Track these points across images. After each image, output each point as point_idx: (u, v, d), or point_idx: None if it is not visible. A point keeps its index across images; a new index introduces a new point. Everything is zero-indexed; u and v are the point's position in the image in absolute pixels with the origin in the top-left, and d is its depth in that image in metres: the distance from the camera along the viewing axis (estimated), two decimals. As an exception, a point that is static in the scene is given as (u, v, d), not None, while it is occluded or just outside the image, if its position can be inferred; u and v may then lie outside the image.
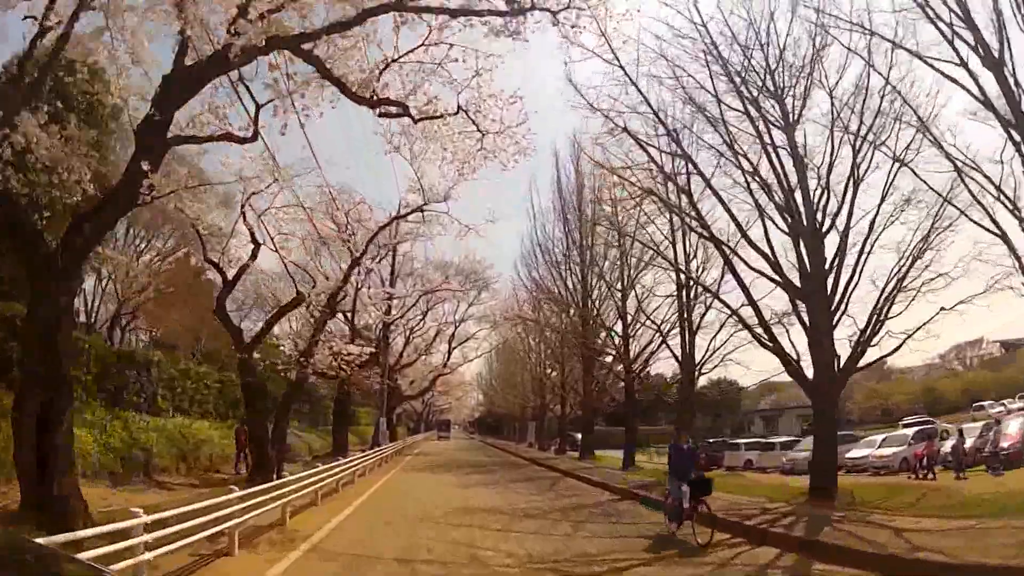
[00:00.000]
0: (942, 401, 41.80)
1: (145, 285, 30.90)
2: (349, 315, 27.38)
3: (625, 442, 28.18)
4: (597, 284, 30.23)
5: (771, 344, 15.20)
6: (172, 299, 29.91)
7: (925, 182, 13.47)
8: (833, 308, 14.35)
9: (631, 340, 27.17)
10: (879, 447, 22.27)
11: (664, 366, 41.14)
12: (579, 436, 43.20)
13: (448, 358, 39.45)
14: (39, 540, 3.26)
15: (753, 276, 15.65)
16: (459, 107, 12.77)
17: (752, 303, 15.59)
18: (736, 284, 15.84)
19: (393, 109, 12.97)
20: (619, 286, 27.57)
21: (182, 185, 9.74)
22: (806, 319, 14.45)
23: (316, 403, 39.74)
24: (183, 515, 7.55)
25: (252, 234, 17.09)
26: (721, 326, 21.17)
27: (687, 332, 22.08)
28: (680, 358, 22.25)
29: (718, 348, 21.63)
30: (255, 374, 15.64)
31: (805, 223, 14.75)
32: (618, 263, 27.74)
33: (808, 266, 14.58)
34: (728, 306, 17.66)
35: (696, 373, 22.54)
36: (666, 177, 17.83)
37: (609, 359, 30.70)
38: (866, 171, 14.30)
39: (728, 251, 16.32)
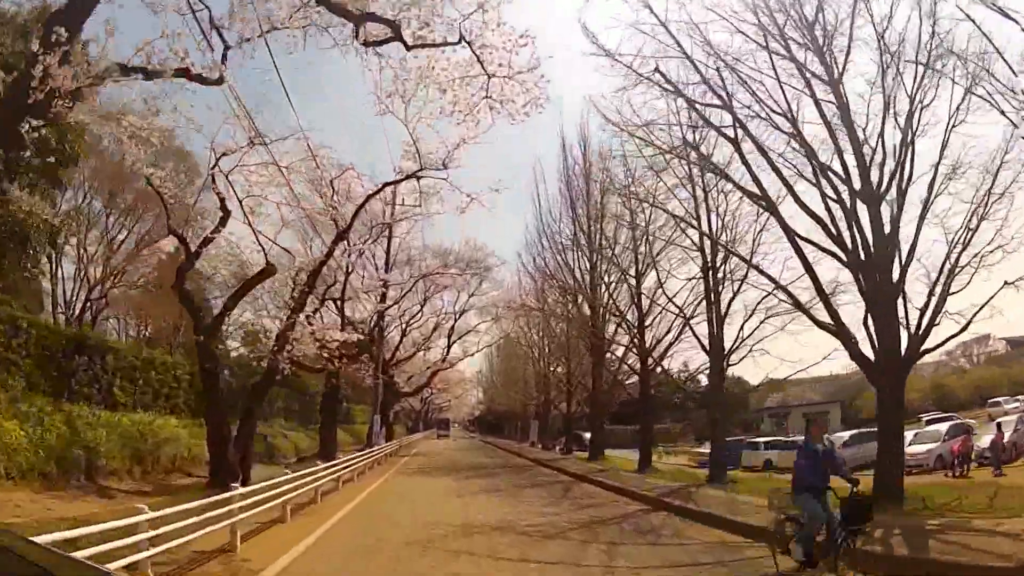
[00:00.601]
0: (952, 398, 41.15)
1: (119, 269, 28.49)
2: (339, 302, 24.87)
3: (640, 441, 25.73)
4: (608, 269, 27.82)
5: (831, 322, 12.88)
6: (160, 294, 27.65)
7: None
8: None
9: (646, 329, 24.72)
10: (911, 444, 20.51)
11: (673, 362, 38.46)
12: (587, 435, 41.16)
13: (447, 352, 36.98)
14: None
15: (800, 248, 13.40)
16: (461, 36, 10.60)
17: (809, 270, 13.18)
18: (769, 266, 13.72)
19: (382, 33, 10.79)
20: (632, 271, 25.07)
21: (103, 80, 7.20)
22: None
23: (308, 401, 37.27)
24: (69, 541, 5.17)
25: (223, 202, 14.65)
26: (752, 311, 18.75)
27: (715, 316, 19.56)
28: (708, 347, 19.73)
29: (746, 337, 19.21)
30: (215, 360, 13.09)
31: (860, 184, 12.52)
32: (630, 246, 25.27)
33: (867, 233, 12.42)
34: (773, 279, 15.24)
35: (725, 363, 20.02)
36: (702, 128, 15.45)
37: (621, 350, 28.23)
38: (917, 130, 12.25)
39: (770, 215, 14.09)
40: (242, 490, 9.93)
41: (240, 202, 13.92)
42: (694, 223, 19.10)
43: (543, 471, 23.96)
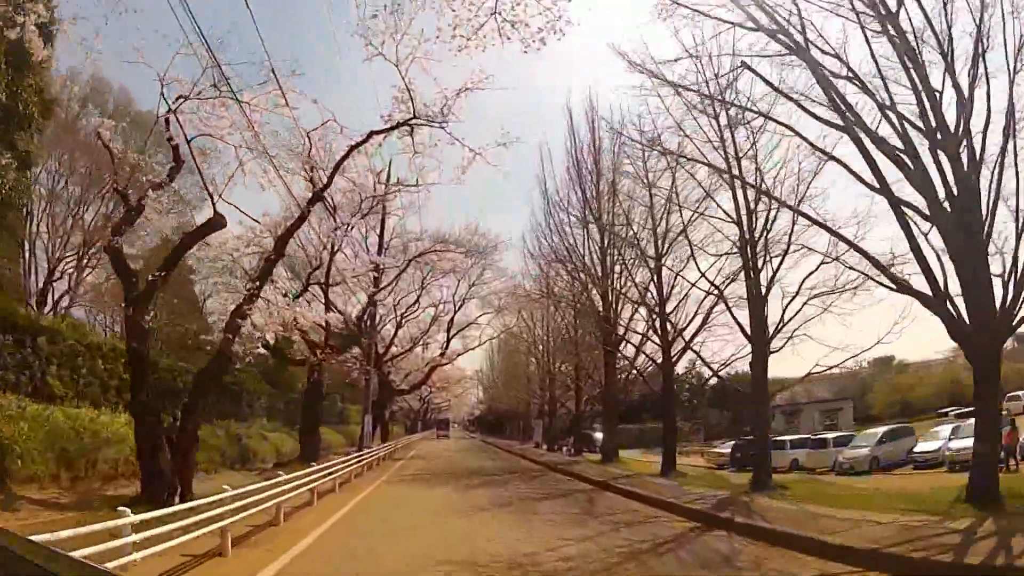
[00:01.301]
0: (964, 394, 40.07)
1: (80, 245, 25.65)
2: (324, 287, 21.94)
3: (664, 442, 22.88)
4: (622, 249, 25.02)
5: (930, 287, 10.27)
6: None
7: None
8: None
9: (669, 315, 21.89)
10: (952, 439, 19.39)
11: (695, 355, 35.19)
12: (597, 435, 38.25)
13: (446, 346, 34.09)
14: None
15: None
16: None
17: (908, 231, 10.43)
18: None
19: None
20: (652, 251, 22.19)
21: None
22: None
23: (296, 400, 34.43)
24: None
25: (175, 150, 11.84)
26: (798, 290, 15.96)
27: (755, 294, 16.68)
28: (749, 331, 16.84)
29: (787, 321, 16.38)
30: (144, 338, 10.14)
31: (934, 122, 10.47)
32: (647, 224, 22.40)
33: (951, 183, 10.34)
34: (844, 238, 12.48)
35: (767, 349, 17.10)
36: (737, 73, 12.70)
37: (637, 340, 25.34)
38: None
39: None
40: (197, 503, 7.22)
41: (188, 143, 11.11)
42: (727, 178, 16.28)
43: (556, 478, 21.05)
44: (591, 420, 45.75)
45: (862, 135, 11.26)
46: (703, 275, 18.18)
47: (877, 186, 11.38)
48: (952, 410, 31.19)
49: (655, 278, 21.84)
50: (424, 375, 34.73)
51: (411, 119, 14.08)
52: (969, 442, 18.71)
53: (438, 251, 24.01)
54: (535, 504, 13.45)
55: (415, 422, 64.85)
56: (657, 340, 22.83)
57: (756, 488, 14.99)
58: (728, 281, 18.59)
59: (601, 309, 25.77)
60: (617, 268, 25.63)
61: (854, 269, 14.00)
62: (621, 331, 25.88)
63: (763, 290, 16.53)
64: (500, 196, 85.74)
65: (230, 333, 10.69)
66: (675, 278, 21.50)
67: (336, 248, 20.50)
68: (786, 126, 13.34)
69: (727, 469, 26.30)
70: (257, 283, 11.34)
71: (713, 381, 43.94)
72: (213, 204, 11.21)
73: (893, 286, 12.27)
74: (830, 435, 27.57)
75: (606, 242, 25.84)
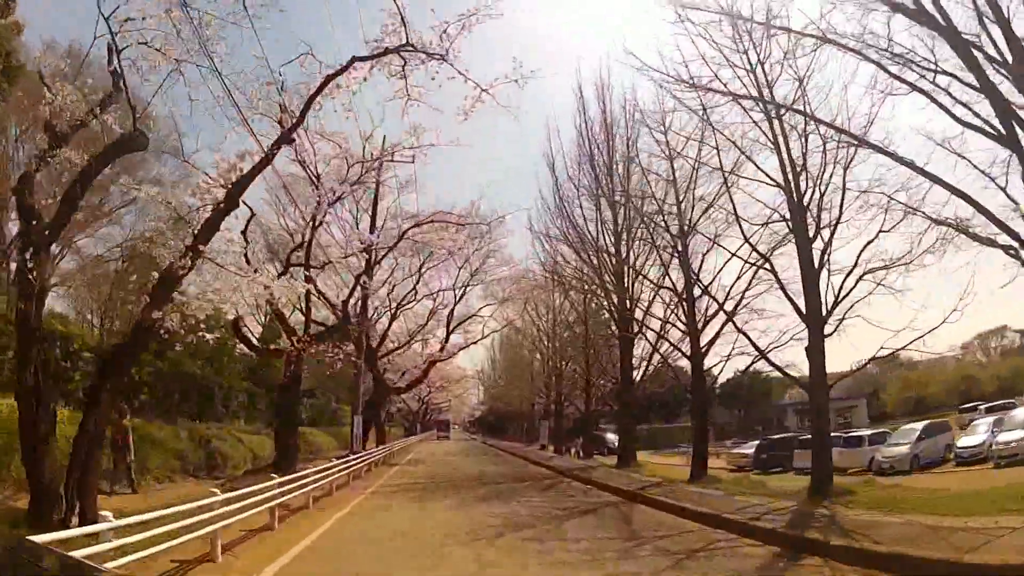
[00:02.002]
0: (978, 390, 39.27)
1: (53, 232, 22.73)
2: (305, 267, 18.98)
3: (694, 443, 20.17)
4: (638, 231, 22.35)
5: None
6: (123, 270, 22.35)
7: None
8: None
9: (697, 300, 19.20)
10: (997, 432, 18.42)
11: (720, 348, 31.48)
12: (609, 436, 35.55)
13: (446, 340, 31.15)
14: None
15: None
16: None
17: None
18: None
19: None
20: (675, 226, 19.43)
21: None
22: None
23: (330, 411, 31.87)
24: None
25: (113, 76, 9.11)
26: (857, 256, 13.25)
27: (809, 267, 13.92)
28: (804, 310, 14.06)
29: (839, 299, 13.65)
30: (33, 298, 7.10)
31: None
32: (670, 201, 19.65)
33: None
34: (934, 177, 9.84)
35: (822, 331, 14.31)
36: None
37: (658, 325, 22.58)
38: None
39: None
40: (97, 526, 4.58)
41: (117, 53, 8.35)
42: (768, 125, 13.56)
43: (574, 487, 18.21)
44: (596, 421, 43.04)
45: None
46: (746, 240, 15.33)
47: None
48: (982, 404, 29.86)
49: (679, 254, 19.10)
50: (422, 371, 31.84)
51: (403, 45, 11.32)
52: (1015, 435, 17.34)
53: (436, 222, 21.08)
54: (559, 525, 10.62)
55: (413, 423, 61.92)
56: (683, 326, 20.11)
57: (817, 494, 12.31)
58: (770, 250, 15.83)
59: (616, 293, 23.03)
60: (636, 247, 22.93)
61: (942, 223, 11.43)
62: (640, 316, 23.16)
63: (816, 262, 13.81)
64: (505, 177, 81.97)
65: (155, 301, 7.89)
66: (702, 258, 18.86)
67: (319, 222, 17.70)
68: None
69: (749, 471, 24.06)
70: (197, 237, 8.56)
71: (723, 379, 41.73)
72: (134, 120, 8.41)
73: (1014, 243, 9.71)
74: (865, 432, 25.19)
75: (622, 213, 23.13)
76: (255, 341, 19.15)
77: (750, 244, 15.41)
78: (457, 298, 30.12)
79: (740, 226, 15.32)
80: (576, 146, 25.20)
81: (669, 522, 10.88)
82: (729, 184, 15.95)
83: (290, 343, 15.92)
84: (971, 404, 32.01)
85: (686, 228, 18.98)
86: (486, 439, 67.67)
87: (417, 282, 27.57)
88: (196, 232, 8.69)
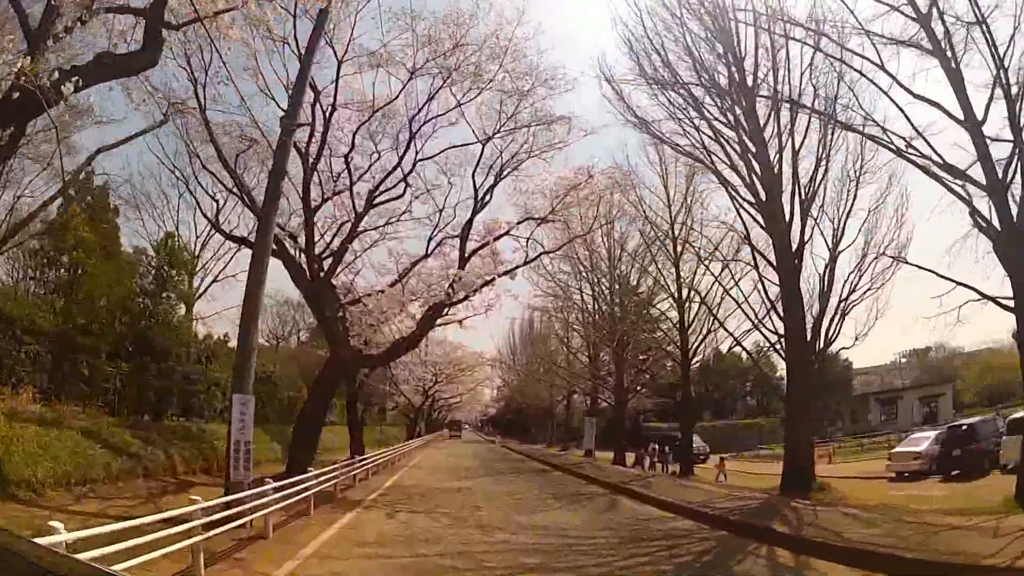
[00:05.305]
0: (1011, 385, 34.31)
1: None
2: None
3: (786, 447, 15.92)
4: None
5: None
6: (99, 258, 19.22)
7: None
8: None
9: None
10: None
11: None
12: (696, 441, 27.37)
13: (462, 262, 17.83)
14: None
15: None
16: None
17: None
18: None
19: None
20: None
21: None
22: None
23: (278, 400, 27.29)
24: None
25: None
26: None
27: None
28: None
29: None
30: None
31: None
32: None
33: None
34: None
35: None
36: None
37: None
38: None
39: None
40: None
41: None
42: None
43: (721, 535, 10.18)
44: (636, 418, 38.09)
45: None
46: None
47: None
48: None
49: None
50: (418, 325, 18.40)
51: None
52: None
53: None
54: None
55: (414, 421, 46.39)
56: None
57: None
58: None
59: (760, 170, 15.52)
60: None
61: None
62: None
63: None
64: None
65: None
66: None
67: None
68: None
69: (923, 477, 17.88)
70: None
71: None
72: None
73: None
74: (997, 420, 19.50)
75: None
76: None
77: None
78: (480, 197, 18.38)
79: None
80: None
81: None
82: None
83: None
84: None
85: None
86: (505, 442, 59.95)
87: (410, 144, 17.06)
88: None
